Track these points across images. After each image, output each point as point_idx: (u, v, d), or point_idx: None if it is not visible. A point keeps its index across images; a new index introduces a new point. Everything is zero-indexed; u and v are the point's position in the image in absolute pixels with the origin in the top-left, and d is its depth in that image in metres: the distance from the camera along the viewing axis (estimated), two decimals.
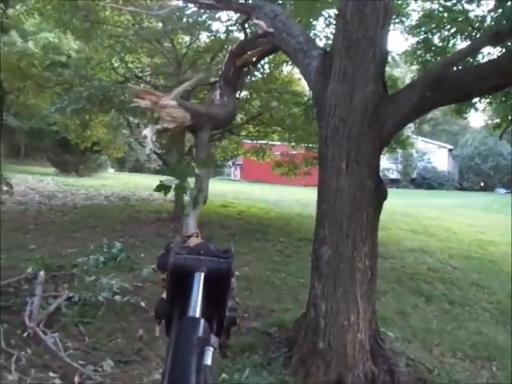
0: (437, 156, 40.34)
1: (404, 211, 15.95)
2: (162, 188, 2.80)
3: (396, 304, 6.07)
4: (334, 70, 3.96)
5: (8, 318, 4.55)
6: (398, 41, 10.23)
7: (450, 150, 42.07)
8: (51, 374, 3.45)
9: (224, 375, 3.66)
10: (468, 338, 5.27)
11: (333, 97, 3.94)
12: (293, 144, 11.71)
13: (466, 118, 9.92)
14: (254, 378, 3.65)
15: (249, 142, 14.15)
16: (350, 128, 3.85)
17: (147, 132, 3.33)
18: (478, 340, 5.25)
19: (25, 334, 4.25)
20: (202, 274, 0.72)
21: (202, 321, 0.67)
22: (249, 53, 4.96)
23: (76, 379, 3.53)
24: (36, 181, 15.85)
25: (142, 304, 5.19)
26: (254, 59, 5.22)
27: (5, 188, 8.46)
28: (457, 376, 4.35)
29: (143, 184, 18.23)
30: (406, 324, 5.45)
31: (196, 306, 0.68)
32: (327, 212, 3.96)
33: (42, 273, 5.37)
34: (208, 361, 0.62)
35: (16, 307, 4.82)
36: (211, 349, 0.64)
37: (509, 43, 4.37)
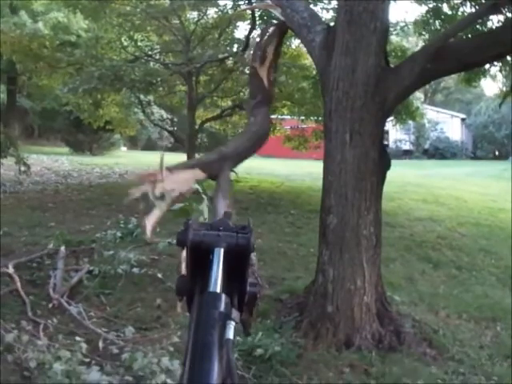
0: (450, 126, 39.93)
1: (416, 182, 16.02)
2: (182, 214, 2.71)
3: (404, 270, 6.26)
4: (337, 44, 4.08)
5: (33, 291, 4.83)
6: (408, 10, 10.20)
7: (462, 120, 41.62)
8: (78, 338, 3.71)
9: (238, 338, 3.89)
10: (474, 301, 5.44)
11: (336, 71, 4.07)
12: (302, 118, 11.80)
13: (475, 87, 9.92)
14: (266, 340, 3.87)
15: None
16: (353, 101, 3.98)
17: (147, 222, 3.05)
18: (484, 302, 5.42)
19: (50, 305, 4.52)
20: (222, 250, 0.72)
21: (223, 296, 0.68)
22: (269, 52, 4.40)
23: (100, 344, 3.79)
24: (51, 161, 16.15)
25: (159, 275, 5.43)
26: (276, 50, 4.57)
27: (22, 168, 8.72)
28: (461, 336, 4.54)
29: (156, 162, 18.46)
30: (414, 289, 5.64)
31: (217, 282, 0.69)
32: (333, 183, 4.13)
33: (62, 248, 5.62)
34: (230, 335, 0.62)
35: (40, 281, 5.10)
36: (233, 323, 0.64)
37: (507, 13, 4.43)
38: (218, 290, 0.68)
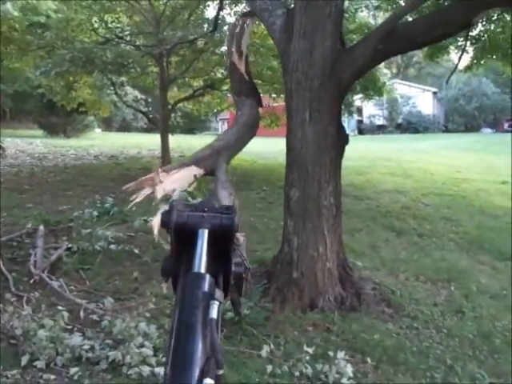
0: (422, 100, 40.51)
1: (386, 156, 16.48)
2: None
3: (368, 239, 6.64)
4: (296, 28, 4.34)
5: (15, 268, 5.07)
6: None
7: (434, 93, 42.24)
8: (60, 308, 3.98)
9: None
10: (432, 264, 5.85)
11: (295, 53, 4.34)
12: (274, 96, 12.01)
13: (437, 62, 10.25)
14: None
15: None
16: (312, 81, 4.26)
17: (154, 224, 3.09)
18: (441, 265, 5.84)
19: (31, 281, 4.77)
20: (206, 231, 0.72)
21: (207, 276, 0.68)
22: (244, 45, 4.50)
23: (81, 313, 4.06)
24: (25, 143, 16.17)
25: (136, 251, 5.70)
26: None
27: None
28: (417, 295, 4.93)
29: (130, 142, 18.59)
30: (376, 255, 6.02)
31: (201, 262, 0.69)
32: (295, 158, 4.43)
33: (41, 227, 5.85)
34: (213, 314, 0.63)
35: (21, 258, 5.33)
36: (216, 303, 0.65)
37: None
38: (203, 270, 0.68)
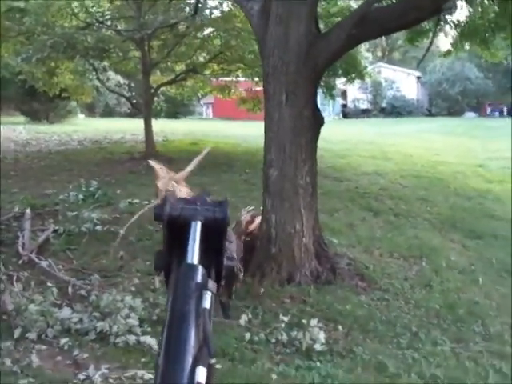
0: (406, 84, 40.70)
1: (368, 140, 16.72)
2: None
3: (346, 218, 6.89)
4: (272, 14, 4.51)
5: (3, 250, 5.23)
6: None
7: (418, 78, 42.48)
8: (49, 284, 4.18)
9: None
10: (405, 242, 6.12)
11: (272, 39, 4.53)
12: (256, 80, 12.14)
13: (417, 46, 10.45)
14: None
15: (218, 80, 14.47)
16: (287, 66, 4.46)
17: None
18: (414, 243, 6.11)
19: (20, 261, 4.94)
20: (199, 223, 0.73)
21: (200, 267, 0.68)
22: None
23: (70, 289, 4.26)
24: (8, 130, 16.12)
25: (121, 231, 5.87)
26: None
27: None
28: (390, 270, 5.21)
29: (114, 127, 18.61)
30: (353, 233, 6.28)
31: (193, 254, 0.69)
32: (272, 139, 4.64)
33: (28, 210, 6.00)
34: (206, 304, 0.63)
35: (9, 241, 5.50)
36: (209, 293, 0.65)
37: None
38: (195, 262, 0.69)
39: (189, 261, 0.69)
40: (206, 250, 0.72)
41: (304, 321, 3.79)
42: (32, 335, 3.53)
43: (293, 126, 4.55)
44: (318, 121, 4.74)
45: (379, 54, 55.14)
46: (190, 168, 4.17)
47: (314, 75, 4.58)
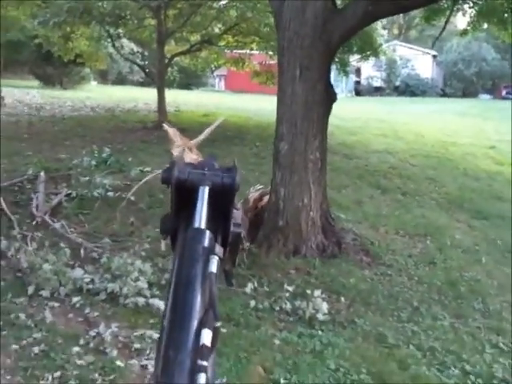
0: (421, 63, 40.17)
1: (380, 118, 16.66)
2: None
3: (354, 195, 6.96)
4: None
5: (18, 210, 5.36)
6: None
7: (434, 57, 41.87)
8: (62, 245, 4.31)
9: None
10: (412, 220, 6.20)
11: (288, 12, 4.53)
12: (270, 53, 12.09)
13: (434, 25, 10.35)
14: None
15: (232, 52, 14.41)
16: (303, 39, 4.47)
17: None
18: (420, 222, 6.18)
19: (34, 222, 5.07)
20: (207, 188, 0.72)
21: (207, 231, 0.68)
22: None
23: (82, 251, 4.39)
24: (22, 93, 16.23)
25: (132, 198, 5.99)
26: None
27: None
28: (395, 247, 5.29)
29: (127, 96, 18.66)
30: (360, 210, 6.35)
31: (201, 218, 0.69)
32: (284, 113, 4.69)
33: (42, 173, 6.12)
34: (213, 268, 0.63)
35: (23, 202, 5.63)
36: (216, 257, 0.65)
37: None
38: (203, 226, 0.69)
39: (196, 225, 0.69)
40: (213, 216, 0.72)
41: (308, 291, 3.90)
42: (45, 293, 3.67)
43: (305, 101, 4.58)
44: (331, 97, 4.77)
45: (396, 31, 54.30)
46: (202, 136, 4.25)
47: (329, 51, 4.59)
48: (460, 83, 40.91)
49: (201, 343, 0.56)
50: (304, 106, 4.58)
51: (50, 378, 2.75)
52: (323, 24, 4.45)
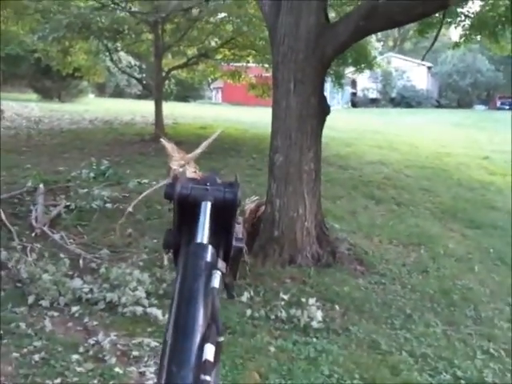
0: (416, 74, 40.50)
1: (375, 129, 16.83)
2: None
3: (349, 205, 7.06)
4: (283, 3, 4.65)
5: (17, 222, 5.44)
6: None
7: (429, 68, 42.26)
8: (61, 256, 4.39)
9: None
10: (405, 230, 6.29)
11: (282, 27, 4.66)
12: (266, 66, 12.24)
13: (428, 38, 10.52)
14: None
15: (229, 65, 14.58)
16: (297, 54, 4.60)
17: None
18: (414, 231, 6.28)
19: (33, 234, 5.15)
20: (209, 204, 0.73)
21: (210, 246, 0.69)
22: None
23: (81, 262, 4.47)
24: (21, 107, 16.36)
25: (130, 209, 6.07)
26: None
27: None
28: (388, 256, 5.38)
29: (125, 109, 18.80)
30: (354, 220, 6.45)
31: (203, 233, 0.70)
32: (279, 126, 4.80)
33: (41, 185, 6.21)
34: (215, 283, 0.63)
35: (22, 214, 5.71)
36: (218, 272, 0.65)
37: None
38: (205, 241, 0.69)
39: (198, 240, 0.69)
40: (216, 230, 0.72)
41: (303, 300, 3.99)
42: (45, 302, 3.74)
43: (299, 114, 4.70)
44: (324, 109, 4.89)
45: (390, 43, 54.81)
46: (200, 150, 4.34)
47: (322, 65, 4.71)
48: (455, 94, 41.31)
49: (204, 358, 0.56)
50: (298, 119, 4.70)
51: None
52: (316, 39, 4.57)
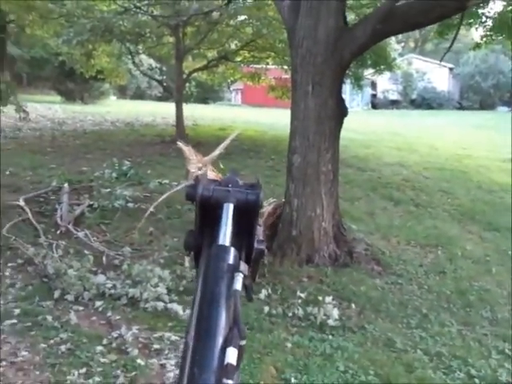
0: (437, 75, 40.14)
1: (395, 131, 16.79)
2: None
3: (367, 207, 7.10)
4: (302, 6, 4.73)
5: (43, 220, 5.62)
6: None
7: (450, 69, 41.86)
8: (86, 252, 4.54)
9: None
10: (423, 231, 6.32)
11: (301, 30, 4.75)
12: (286, 68, 12.32)
13: (448, 39, 10.50)
14: None
15: (249, 67, 14.71)
16: (315, 57, 4.68)
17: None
18: (432, 232, 6.30)
19: (58, 231, 5.32)
20: (231, 205, 0.72)
21: (232, 248, 0.68)
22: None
23: (104, 259, 4.62)
24: (45, 109, 16.72)
25: (151, 209, 6.21)
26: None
27: (22, 115, 9.35)
28: (406, 257, 5.42)
29: (145, 110, 19.06)
30: (372, 221, 6.49)
31: (225, 235, 0.69)
32: (297, 127, 4.88)
33: (66, 185, 6.38)
34: (238, 286, 0.63)
35: (48, 212, 5.89)
36: (241, 274, 0.65)
37: None
38: (227, 243, 0.69)
39: (220, 242, 0.69)
40: (238, 232, 0.72)
41: (320, 298, 4.06)
42: (70, 297, 3.89)
43: (317, 116, 4.78)
44: (342, 111, 4.96)
45: (412, 44, 54.42)
46: (217, 152, 4.42)
47: (340, 67, 4.79)
48: (477, 96, 40.78)
49: (226, 362, 0.56)
50: (316, 121, 4.78)
51: (76, 373, 2.95)
52: (334, 42, 4.65)
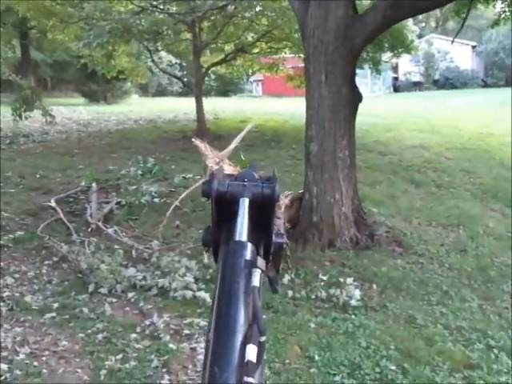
0: (460, 54, 39.39)
1: (417, 113, 16.65)
2: None
3: (388, 190, 7.18)
4: None
5: (74, 219, 5.88)
6: None
7: (473, 47, 41.06)
8: (116, 247, 4.76)
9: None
10: (445, 212, 6.38)
11: (312, 20, 4.86)
12: (302, 56, 12.36)
13: (462, 18, 10.42)
14: None
15: (267, 57, 14.79)
16: (327, 46, 4.79)
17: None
18: (454, 212, 6.35)
19: (89, 229, 5.57)
20: (247, 200, 0.72)
21: (249, 244, 0.67)
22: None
23: (134, 252, 4.84)
24: (69, 111, 17.13)
25: (177, 203, 6.42)
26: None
27: (48, 119, 9.67)
28: (427, 237, 5.51)
29: (167, 107, 19.33)
30: (394, 204, 6.57)
31: (242, 231, 0.69)
32: (313, 116, 5.01)
33: (94, 184, 6.63)
34: (256, 282, 0.62)
35: (78, 211, 6.15)
36: (258, 270, 0.64)
37: None
38: (244, 239, 0.68)
39: (237, 238, 0.68)
40: (255, 227, 0.71)
41: (342, 280, 4.21)
42: (104, 290, 4.12)
43: (331, 104, 4.89)
44: (356, 98, 5.06)
45: (433, 24, 53.49)
46: (232, 146, 4.53)
47: (352, 55, 4.88)
48: (502, 72, 39.94)
49: (246, 359, 0.56)
50: (331, 109, 4.89)
51: (114, 359, 3.16)
52: (345, 31, 4.75)
